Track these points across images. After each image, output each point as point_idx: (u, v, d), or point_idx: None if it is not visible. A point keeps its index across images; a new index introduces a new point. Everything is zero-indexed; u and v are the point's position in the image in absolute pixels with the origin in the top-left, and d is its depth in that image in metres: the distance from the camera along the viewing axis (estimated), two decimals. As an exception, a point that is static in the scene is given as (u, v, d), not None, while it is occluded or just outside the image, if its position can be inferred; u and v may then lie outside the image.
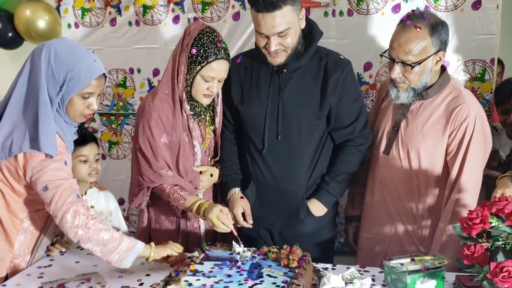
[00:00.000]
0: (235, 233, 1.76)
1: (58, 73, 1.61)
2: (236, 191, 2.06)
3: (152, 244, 1.71)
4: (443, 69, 1.94)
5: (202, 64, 1.88)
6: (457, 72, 2.50)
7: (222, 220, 1.78)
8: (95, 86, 1.67)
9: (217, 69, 1.90)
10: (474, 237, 1.33)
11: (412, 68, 1.82)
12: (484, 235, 1.33)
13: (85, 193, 2.13)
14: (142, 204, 2.04)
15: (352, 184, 2.13)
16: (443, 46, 1.84)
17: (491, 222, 1.31)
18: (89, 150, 2.11)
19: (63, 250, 1.92)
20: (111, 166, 3.09)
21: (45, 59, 1.61)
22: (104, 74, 1.70)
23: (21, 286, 1.65)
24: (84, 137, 2.09)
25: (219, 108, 2.07)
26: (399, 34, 1.84)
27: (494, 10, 2.40)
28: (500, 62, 2.87)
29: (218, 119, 2.09)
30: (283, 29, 1.80)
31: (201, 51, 1.88)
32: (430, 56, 1.82)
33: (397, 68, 1.85)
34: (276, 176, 2.01)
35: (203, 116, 2.04)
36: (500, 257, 1.29)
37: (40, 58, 1.61)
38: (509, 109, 2.47)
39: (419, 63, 1.81)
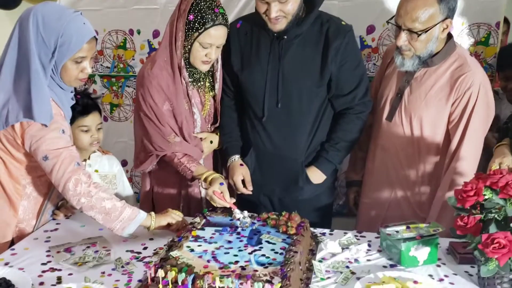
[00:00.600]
0: (233, 207, 1.79)
1: (49, 40, 1.61)
2: (236, 158, 2.09)
3: (153, 213, 1.76)
4: (449, 36, 1.92)
5: (200, 31, 1.86)
6: (461, 36, 2.46)
7: (216, 201, 1.83)
8: (87, 49, 1.67)
9: (215, 35, 1.88)
10: (468, 208, 1.37)
11: (418, 36, 1.80)
12: (478, 206, 1.37)
13: (89, 158, 2.16)
14: (147, 169, 2.08)
15: (354, 149, 2.15)
16: (450, 14, 1.82)
17: (485, 195, 1.34)
18: (91, 120, 2.10)
19: (69, 214, 1.97)
20: (113, 128, 3.11)
21: (33, 27, 1.60)
22: (94, 36, 1.69)
23: (29, 250, 1.71)
24: (86, 107, 2.08)
25: (218, 74, 2.07)
26: (406, 0, 1.81)
27: (502, -29, 2.34)
28: (506, 21, 2.82)
29: (218, 85, 2.09)
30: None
31: (199, 17, 1.85)
32: (437, 23, 1.80)
33: (403, 36, 1.83)
34: (276, 143, 2.03)
35: (202, 83, 2.04)
36: (492, 228, 1.33)
37: (28, 26, 1.60)
38: (506, 75, 2.45)
39: (425, 31, 1.79)
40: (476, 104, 1.84)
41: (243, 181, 2.05)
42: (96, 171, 2.15)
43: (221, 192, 1.84)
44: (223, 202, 1.82)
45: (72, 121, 1.99)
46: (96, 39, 1.71)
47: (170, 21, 1.94)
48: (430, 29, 1.79)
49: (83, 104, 2.05)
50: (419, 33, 1.80)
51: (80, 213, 1.98)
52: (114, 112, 3.11)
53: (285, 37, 1.92)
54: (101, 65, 3.05)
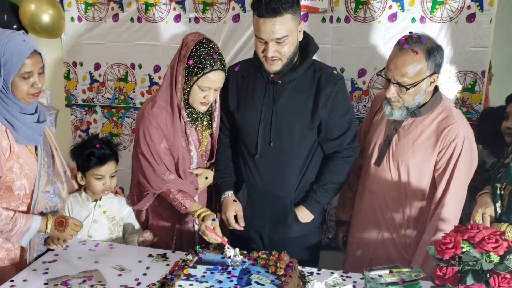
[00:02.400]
0: (225, 243, 1.85)
1: None
2: (229, 194, 2.16)
3: (50, 220, 1.89)
4: (436, 88, 2.02)
5: (199, 75, 1.96)
6: (449, 82, 2.57)
7: (208, 236, 1.90)
8: (31, 64, 1.75)
9: (213, 80, 1.98)
10: (447, 259, 1.45)
11: (407, 90, 1.91)
12: (456, 258, 1.44)
13: (100, 199, 2.17)
14: (144, 207, 2.18)
15: (344, 189, 2.24)
16: (437, 69, 1.92)
17: (462, 247, 1.41)
18: (106, 170, 2.10)
19: (61, 247, 2.01)
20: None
21: None
22: (35, 50, 1.76)
23: (28, 281, 1.76)
24: (103, 157, 2.09)
25: (216, 114, 2.16)
26: (396, 56, 1.91)
27: (487, 24, 2.47)
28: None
29: (216, 124, 2.18)
30: (282, 35, 1.88)
31: (198, 63, 1.95)
32: (425, 78, 1.90)
33: (393, 88, 1.93)
34: (267, 181, 2.11)
35: (200, 121, 2.14)
36: (469, 280, 1.40)
37: None
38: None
39: (414, 85, 1.90)
40: (461, 154, 1.93)
41: (235, 217, 2.11)
42: (105, 212, 2.17)
43: (213, 228, 1.91)
44: (215, 236, 1.89)
45: (87, 169, 2.08)
46: (40, 54, 1.78)
47: (171, 64, 2.04)
48: (418, 83, 1.90)
49: (99, 156, 2.08)
50: (408, 87, 1.90)
51: (77, 244, 2.05)
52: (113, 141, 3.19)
53: (280, 81, 2.02)
54: (103, 96, 3.15)
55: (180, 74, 1.98)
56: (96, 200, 2.15)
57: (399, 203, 2.08)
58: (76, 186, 2.18)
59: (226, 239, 1.90)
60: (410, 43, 1.89)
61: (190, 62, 1.96)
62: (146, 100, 2.15)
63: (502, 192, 1.91)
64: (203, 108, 2.06)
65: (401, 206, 2.08)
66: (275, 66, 1.96)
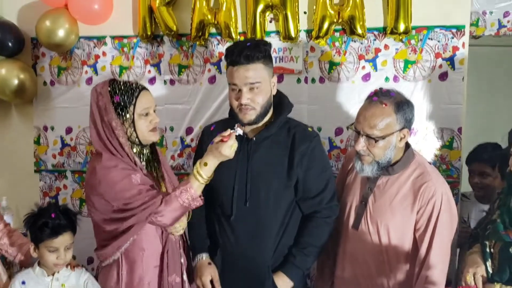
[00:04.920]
0: None
1: None
2: (204, 257, 2.05)
3: None
4: (407, 145, 1.98)
5: (133, 102, 1.88)
6: (426, 140, 2.55)
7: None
8: None
9: (148, 99, 1.92)
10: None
11: (376, 142, 1.86)
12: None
13: (58, 271, 1.97)
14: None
15: (321, 257, 2.11)
16: (407, 124, 1.89)
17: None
18: (60, 242, 1.92)
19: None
20: (81, 224, 2.98)
21: None
22: None
23: None
24: (57, 228, 1.92)
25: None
26: (365, 108, 1.90)
27: (460, 82, 2.49)
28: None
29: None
30: (255, 81, 1.90)
31: (124, 92, 1.88)
32: (394, 132, 1.86)
33: (362, 141, 1.89)
34: (243, 244, 2.00)
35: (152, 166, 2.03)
36: None
37: None
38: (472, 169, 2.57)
39: (383, 137, 1.85)
40: (441, 212, 1.86)
41: (211, 282, 1.98)
42: (63, 285, 1.98)
43: None
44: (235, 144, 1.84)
45: (41, 241, 1.91)
46: None
47: (95, 127, 1.93)
48: (387, 136, 1.85)
49: (53, 226, 1.91)
50: (377, 139, 1.85)
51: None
52: (83, 207, 3.04)
53: (254, 138, 1.98)
54: (73, 160, 3.04)
55: (113, 120, 1.87)
56: (53, 274, 1.97)
57: (382, 267, 1.96)
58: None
59: None
60: (379, 96, 1.88)
61: (117, 98, 1.87)
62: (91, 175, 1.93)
63: (492, 250, 1.81)
64: (156, 137, 1.97)
65: (384, 271, 1.95)
66: (249, 116, 1.94)
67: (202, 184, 1.86)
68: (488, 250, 1.81)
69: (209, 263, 2.02)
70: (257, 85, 1.91)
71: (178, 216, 1.87)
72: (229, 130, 1.83)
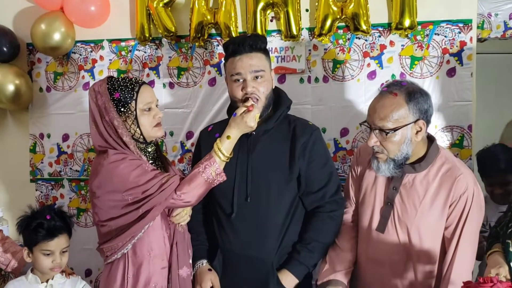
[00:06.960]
0: None
1: None
2: (204, 263, 1.97)
3: None
4: (431, 139, 1.87)
5: (134, 97, 1.80)
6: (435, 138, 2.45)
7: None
8: None
9: (149, 94, 1.85)
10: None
11: (387, 135, 1.75)
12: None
13: (52, 278, 1.90)
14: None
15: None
16: (423, 116, 1.77)
17: (478, 306, 1.20)
18: (56, 244, 1.86)
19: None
20: (78, 234, 2.83)
21: None
22: None
23: None
24: (52, 230, 1.85)
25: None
26: (375, 100, 1.81)
27: (468, 78, 2.41)
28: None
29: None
30: (259, 69, 1.89)
31: (124, 88, 1.80)
32: (408, 124, 1.75)
33: (374, 136, 1.79)
34: (245, 242, 1.92)
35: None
36: None
37: None
38: (493, 182, 2.43)
39: (395, 130, 1.74)
40: (472, 207, 1.75)
41: None
42: None
43: None
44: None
45: (35, 244, 1.83)
46: None
47: (95, 126, 1.85)
48: (399, 129, 1.74)
49: (49, 228, 1.84)
50: (388, 131, 1.74)
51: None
52: (80, 217, 2.94)
53: (254, 133, 1.92)
54: (71, 168, 2.95)
55: (114, 118, 1.79)
56: (47, 281, 1.87)
57: (409, 269, 1.83)
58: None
59: None
60: (390, 86, 1.80)
61: (116, 95, 1.79)
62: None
63: None
64: (160, 132, 1.89)
65: (413, 273, 1.82)
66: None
67: (223, 162, 1.80)
68: (511, 249, 1.70)
69: (209, 269, 1.95)
70: (262, 73, 1.89)
71: (202, 193, 1.79)
72: (250, 100, 1.84)
